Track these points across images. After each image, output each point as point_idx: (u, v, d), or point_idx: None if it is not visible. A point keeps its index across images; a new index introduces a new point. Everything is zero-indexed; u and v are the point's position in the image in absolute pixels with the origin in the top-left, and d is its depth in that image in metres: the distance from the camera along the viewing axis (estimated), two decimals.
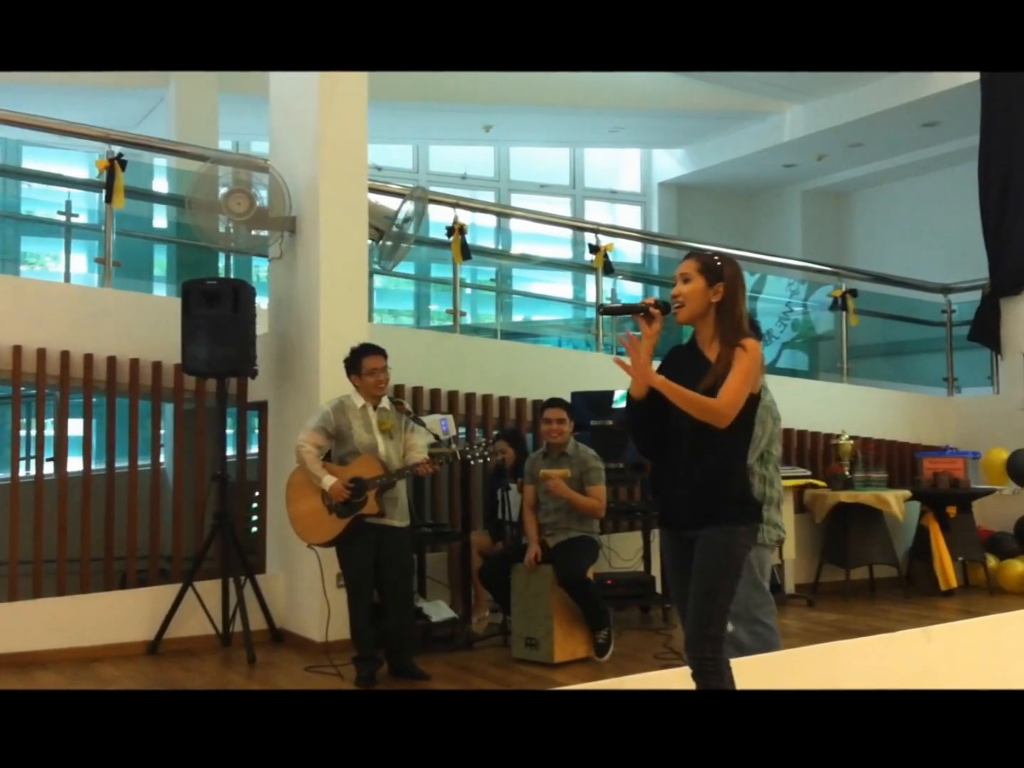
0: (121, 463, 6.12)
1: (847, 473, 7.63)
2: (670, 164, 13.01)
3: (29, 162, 9.07)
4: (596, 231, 8.29)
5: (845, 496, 7.43)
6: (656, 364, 3.31)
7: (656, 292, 9.49)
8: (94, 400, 6.08)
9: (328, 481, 4.97)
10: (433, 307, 9.74)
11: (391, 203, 6.41)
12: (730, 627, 3.94)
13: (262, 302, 6.26)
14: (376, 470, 4.99)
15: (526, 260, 10.22)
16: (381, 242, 6.27)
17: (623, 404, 3.39)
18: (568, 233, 10.82)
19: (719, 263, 3.24)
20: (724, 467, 3.19)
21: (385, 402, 5.19)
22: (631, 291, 9.52)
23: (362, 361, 5.10)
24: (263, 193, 5.86)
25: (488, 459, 5.35)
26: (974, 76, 8.50)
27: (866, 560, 7.56)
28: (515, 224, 10.86)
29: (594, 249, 8.05)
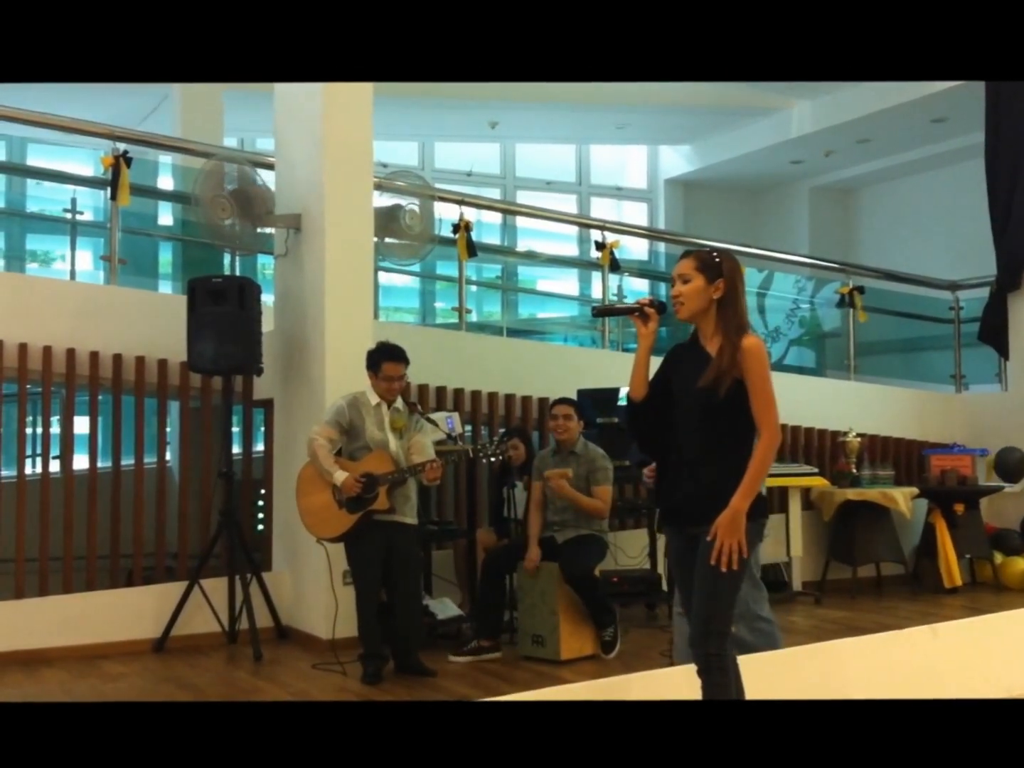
0: (127, 461, 6.12)
1: (854, 470, 7.61)
2: (676, 161, 12.98)
3: (34, 159, 9.08)
4: (602, 228, 8.27)
5: (852, 494, 7.40)
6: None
7: (663, 289, 9.47)
8: (100, 398, 6.07)
9: (340, 476, 4.94)
10: (439, 304, 9.72)
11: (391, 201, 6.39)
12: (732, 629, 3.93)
13: (268, 299, 6.26)
14: (388, 466, 4.97)
15: (532, 257, 10.21)
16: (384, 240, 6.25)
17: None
18: (574, 230, 10.76)
19: (717, 259, 3.23)
20: (730, 464, 3.18)
21: (399, 402, 5.18)
22: (638, 288, 9.51)
23: (382, 365, 5.07)
24: (260, 190, 5.84)
25: (500, 457, 5.31)
26: None
27: (873, 558, 7.54)
28: (521, 221, 10.84)
29: (600, 246, 8.03)
